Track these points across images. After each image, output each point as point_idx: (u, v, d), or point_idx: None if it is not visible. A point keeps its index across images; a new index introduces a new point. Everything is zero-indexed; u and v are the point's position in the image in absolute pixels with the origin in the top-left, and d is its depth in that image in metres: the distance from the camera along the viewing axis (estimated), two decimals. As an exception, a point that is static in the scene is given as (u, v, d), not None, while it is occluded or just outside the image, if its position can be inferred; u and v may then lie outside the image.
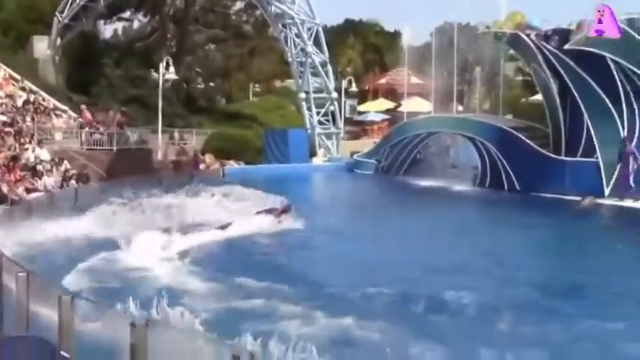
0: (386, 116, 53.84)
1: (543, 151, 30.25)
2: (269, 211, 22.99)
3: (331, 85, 42.91)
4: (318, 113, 42.32)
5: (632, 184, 27.31)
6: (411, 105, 48.60)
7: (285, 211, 23.21)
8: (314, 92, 42.23)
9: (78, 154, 31.74)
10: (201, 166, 38.00)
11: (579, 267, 17.85)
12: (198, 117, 46.31)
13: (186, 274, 15.88)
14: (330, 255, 19.20)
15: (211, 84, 52.51)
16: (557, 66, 29.77)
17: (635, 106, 28.13)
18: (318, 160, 41.20)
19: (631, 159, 27.39)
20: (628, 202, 26.50)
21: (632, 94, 28.14)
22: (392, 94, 57.20)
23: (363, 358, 10.88)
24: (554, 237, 21.15)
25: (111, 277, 15.36)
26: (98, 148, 32.69)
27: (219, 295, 14.05)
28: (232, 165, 39.30)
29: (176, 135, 41.46)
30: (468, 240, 20.42)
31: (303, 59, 41.95)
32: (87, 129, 33.74)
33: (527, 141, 30.76)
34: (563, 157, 29.73)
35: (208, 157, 39.79)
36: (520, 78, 47.98)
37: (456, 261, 17.80)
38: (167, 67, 38.89)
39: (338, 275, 16.08)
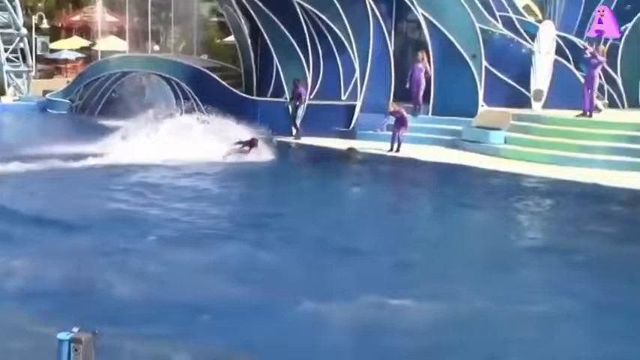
0: (81, 54, 52.51)
1: (236, 91, 31.08)
2: (239, 143, 22.66)
3: (20, 20, 41.06)
4: (6, 50, 40.52)
5: (298, 125, 28.73)
6: (107, 43, 47.65)
7: (251, 144, 22.77)
8: (1, 28, 40.32)
9: None
10: None
11: (264, 198, 18.93)
12: None
13: None
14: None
15: None
16: (248, 7, 30.56)
17: (318, 47, 29.62)
18: (7, 100, 39.52)
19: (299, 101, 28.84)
20: (307, 140, 27.96)
21: (315, 36, 29.59)
22: (86, 31, 55.67)
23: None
24: (242, 172, 22.14)
25: None
26: None
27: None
28: None
29: None
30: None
31: (-12, -8, 39.76)
32: None
33: (220, 81, 31.47)
34: (254, 97, 30.73)
35: None
36: (215, 19, 48.52)
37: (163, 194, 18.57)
38: None
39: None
